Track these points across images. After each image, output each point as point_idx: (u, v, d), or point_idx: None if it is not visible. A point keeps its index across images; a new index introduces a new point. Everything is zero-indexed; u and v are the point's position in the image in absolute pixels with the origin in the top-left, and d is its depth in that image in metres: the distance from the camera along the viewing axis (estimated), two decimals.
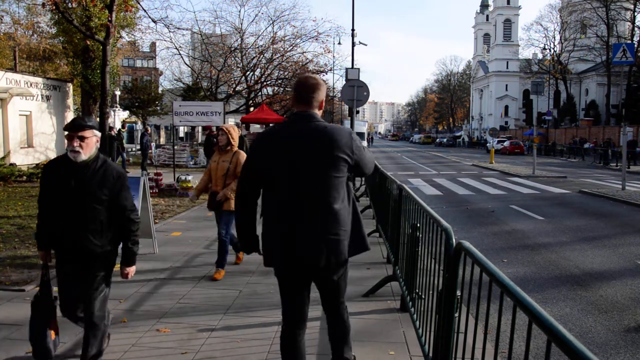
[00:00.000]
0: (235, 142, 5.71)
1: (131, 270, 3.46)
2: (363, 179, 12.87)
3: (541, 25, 73.71)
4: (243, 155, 5.60)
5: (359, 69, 17.72)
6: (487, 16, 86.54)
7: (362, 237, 2.90)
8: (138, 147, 35.99)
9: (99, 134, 3.20)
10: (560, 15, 59.52)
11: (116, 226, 3.27)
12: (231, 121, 38.17)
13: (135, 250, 3.39)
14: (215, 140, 13.40)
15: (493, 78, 78.49)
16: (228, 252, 5.74)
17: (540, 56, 61.86)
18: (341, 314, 3.00)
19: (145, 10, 25.53)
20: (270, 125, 29.10)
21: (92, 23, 17.45)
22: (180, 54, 28.74)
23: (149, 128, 19.07)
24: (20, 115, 18.55)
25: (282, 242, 2.74)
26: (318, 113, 2.84)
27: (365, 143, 34.87)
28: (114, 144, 17.12)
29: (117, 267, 5.93)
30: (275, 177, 2.74)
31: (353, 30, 22.76)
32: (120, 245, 3.38)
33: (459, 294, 2.61)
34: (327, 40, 54.30)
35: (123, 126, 19.79)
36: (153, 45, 40.64)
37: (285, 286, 2.91)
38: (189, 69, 32.23)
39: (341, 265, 2.85)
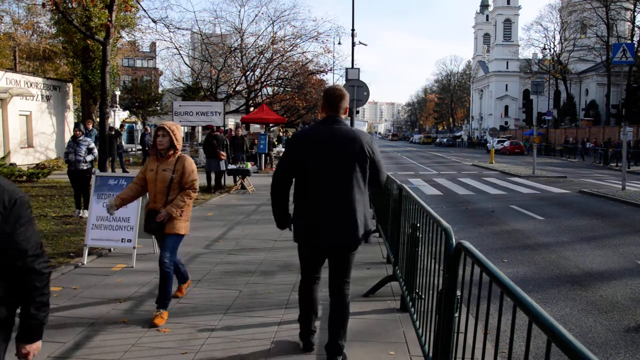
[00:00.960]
0: (180, 145, 4.51)
1: (34, 348, 2.09)
2: None
3: (541, 25, 73.65)
4: (190, 162, 4.48)
5: (359, 69, 17.72)
6: (487, 16, 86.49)
7: (369, 227, 3.46)
8: (139, 147, 36.08)
9: None
10: (560, 15, 59.51)
11: (12, 280, 1.97)
12: (231, 121, 38.16)
13: (41, 317, 2.05)
14: (214, 140, 13.48)
15: (493, 78, 78.47)
16: (172, 285, 4.43)
17: (540, 56, 61.87)
18: (345, 294, 3.48)
19: (145, 10, 25.55)
20: (271, 125, 29.16)
21: (92, 23, 17.45)
22: (180, 54, 28.76)
23: (148, 128, 18.92)
24: (20, 115, 18.55)
25: (310, 225, 3.33)
26: (342, 117, 3.43)
27: None
28: (114, 144, 17.13)
29: (118, 266, 5.94)
30: (309, 167, 3.30)
31: (353, 30, 22.77)
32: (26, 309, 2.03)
33: (459, 294, 2.61)
34: (327, 40, 54.47)
35: (121, 126, 19.75)
36: (153, 45, 40.62)
37: (306, 257, 3.57)
38: (189, 69, 32.23)
39: (355, 247, 3.43)
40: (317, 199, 3.30)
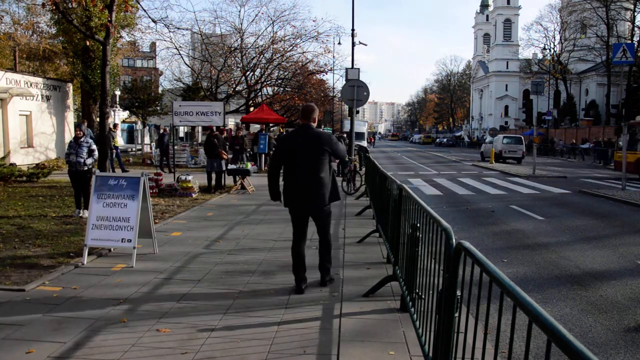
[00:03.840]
0: None
1: None
2: (362, 179, 13.38)
3: (541, 25, 73.60)
4: None
5: (359, 69, 17.75)
6: (487, 16, 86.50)
7: (336, 192, 5.29)
8: (138, 147, 36.03)
9: None
10: (560, 15, 59.51)
11: None
12: (231, 121, 38.19)
13: None
14: (215, 140, 13.46)
15: (493, 78, 78.46)
16: None
17: (540, 56, 61.85)
18: (327, 237, 5.30)
19: (145, 10, 25.56)
20: (271, 125, 29.20)
21: (92, 23, 17.45)
22: (180, 54, 28.73)
23: (166, 128, 18.58)
24: (20, 115, 18.54)
25: (294, 195, 5.14)
26: (313, 125, 5.26)
27: (365, 143, 34.90)
28: (111, 142, 17.08)
29: (118, 266, 5.94)
30: (291, 157, 5.13)
31: (353, 30, 22.77)
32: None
33: (459, 294, 2.61)
34: (327, 40, 54.38)
35: (115, 125, 19.48)
36: (153, 45, 40.59)
37: (295, 218, 5.27)
38: (189, 69, 32.20)
39: (325, 208, 5.19)
40: (296, 177, 5.10)
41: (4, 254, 6.41)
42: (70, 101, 22.34)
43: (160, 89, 42.15)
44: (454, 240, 2.77)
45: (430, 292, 3.26)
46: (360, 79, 15.69)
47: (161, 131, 22.03)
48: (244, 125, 26.01)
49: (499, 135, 37.11)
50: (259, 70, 29.42)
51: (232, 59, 29.77)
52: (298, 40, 28.77)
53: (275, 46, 28.48)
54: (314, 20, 61.39)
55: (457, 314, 2.60)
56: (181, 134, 44.95)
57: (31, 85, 19.19)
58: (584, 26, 56.49)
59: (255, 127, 32.61)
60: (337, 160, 10.22)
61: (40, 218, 8.96)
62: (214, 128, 14.25)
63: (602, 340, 4.43)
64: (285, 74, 29.73)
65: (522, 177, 20.56)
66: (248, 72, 29.12)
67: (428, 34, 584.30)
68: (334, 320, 4.38)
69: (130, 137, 38.89)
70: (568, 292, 5.77)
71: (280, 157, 5.20)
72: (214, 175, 13.61)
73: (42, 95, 19.82)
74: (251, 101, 29.82)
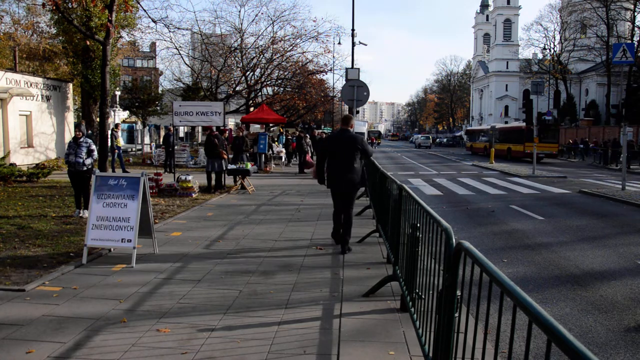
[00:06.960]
0: None
1: None
2: None
3: (541, 25, 73.70)
4: None
5: (359, 69, 17.75)
6: (487, 16, 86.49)
7: (364, 179, 7.17)
8: (139, 147, 36.02)
9: None
10: (560, 15, 59.53)
11: None
12: (231, 121, 38.17)
13: None
14: (215, 140, 13.48)
15: (493, 78, 78.44)
16: None
17: (540, 56, 61.84)
18: (350, 213, 6.93)
19: (145, 10, 25.56)
20: (271, 125, 29.20)
21: (92, 23, 17.46)
22: (180, 54, 28.71)
23: (171, 128, 18.39)
24: (20, 115, 18.54)
25: (334, 179, 6.89)
26: (350, 129, 6.99)
27: None
28: (113, 142, 17.10)
29: (118, 266, 5.94)
30: (332, 153, 6.89)
31: (353, 30, 22.79)
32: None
33: (459, 294, 2.61)
34: (327, 40, 54.42)
35: (117, 125, 19.44)
36: (153, 45, 40.60)
37: (334, 195, 7.11)
38: (189, 69, 32.19)
39: (354, 190, 6.92)
40: (336, 166, 6.83)
41: (4, 254, 6.41)
42: (70, 101, 22.34)
43: (160, 89, 42.14)
44: (454, 240, 2.77)
45: (430, 292, 3.26)
46: (360, 79, 15.69)
47: (166, 131, 21.88)
48: (244, 125, 26.02)
49: (419, 134, 72.54)
50: (259, 70, 29.42)
51: (232, 59, 29.76)
52: (298, 40, 28.78)
53: (275, 46, 28.48)
54: (314, 20, 61.38)
55: (457, 314, 2.60)
56: (181, 134, 44.96)
57: (31, 85, 19.19)
58: (584, 26, 56.51)
59: (255, 127, 32.61)
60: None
61: (40, 218, 8.96)
62: (214, 128, 14.24)
63: (602, 340, 4.42)
64: (285, 74, 29.72)
65: (522, 177, 20.56)
66: (248, 72, 29.11)
67: (428, 34, 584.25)
68: (334, 320, 4.38)
69: (131, 137, 38.89)
70: (568, 292, 5.77)
71: (324, 153, 7.06)
72: (213, 175, 13.61)
73: (42, 95, 19.82)
74: (251, 101, 29.81)
